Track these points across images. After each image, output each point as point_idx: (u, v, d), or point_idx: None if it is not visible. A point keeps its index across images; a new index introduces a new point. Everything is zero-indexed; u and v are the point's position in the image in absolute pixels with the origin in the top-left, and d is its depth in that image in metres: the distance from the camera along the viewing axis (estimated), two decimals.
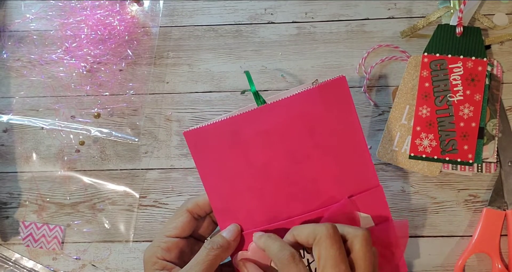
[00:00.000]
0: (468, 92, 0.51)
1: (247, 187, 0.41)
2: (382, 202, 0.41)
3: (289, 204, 0.41)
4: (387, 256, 0.40)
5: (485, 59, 0.51)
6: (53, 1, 0.58)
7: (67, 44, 0.57)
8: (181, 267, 0.38)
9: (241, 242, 0.41)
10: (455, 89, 0.51)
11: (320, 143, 0.41)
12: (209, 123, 0.41)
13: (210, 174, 0.41)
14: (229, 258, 0.41)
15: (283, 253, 0.36)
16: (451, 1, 0.53)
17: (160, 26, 0.57)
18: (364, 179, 0.41)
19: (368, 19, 0.56)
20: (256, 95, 0.42)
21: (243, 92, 0.47)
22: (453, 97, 0.51)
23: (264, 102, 0.42)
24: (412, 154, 0.51)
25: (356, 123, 0.41)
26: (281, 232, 0.40)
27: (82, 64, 0.56)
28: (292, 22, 0.57)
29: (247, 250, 0.41)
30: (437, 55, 0.52)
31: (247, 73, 0.44)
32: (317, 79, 0.43)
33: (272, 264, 0.40)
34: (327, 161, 0.41)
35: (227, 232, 0.40)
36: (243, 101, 0.55)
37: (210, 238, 0.40)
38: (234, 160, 0.41)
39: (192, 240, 0.43)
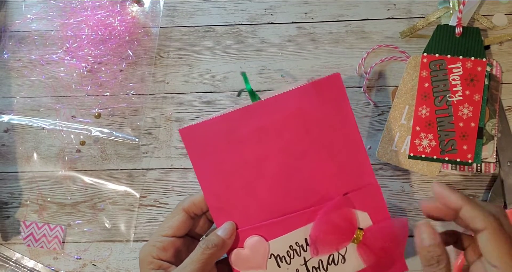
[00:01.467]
0: (467, 92, 0.51)
1: (243, 184, 0.41)
2: (379, 200, 0.41)
3: (285, 201, 0.41)
4: (387, 254, 0.40)
5: (484, 59, 0.51)
6: (54, 2, 0.58)
7: (67, 45, 0.57)
8: (178, 266, 0.38)
9: (237, 239, 0.41)
10: (454, 89, 0.51)
11: (316, 140, 0.41)
12: (204, 120, 0.41)
13: (206, 171, 0.41)
14: (225, 255, 0.41)
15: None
16: (451, 2, 0.53)
17: (160, 27, 0.57)
18: (360, 176, 0.41)
19: (368, 19, 0.56)
20: (252, 94, 0.42)
21: (239, 93, 0.47)
22: (453, 97, 0.51)
23: (260, 100, 0.42)
24: (412, 154, 0.51)
25: (352, 120, 0.41)
26: (276, 229, 0.40)
27: (83, 64, 0.56)
28: (292, 23, 0.57)
29: (243, 247, 0.41)
30: (437, 55, 0.52)
31: (243, 74, 0.44)
32: (313, 77, 0.43)
33: (268, 262, 0.40)
34: (323, 158, 0.41)
35: (222, 231, 0.40)
36: (243, 101, 0.55)
37: (206, 236, 0.39)
38: (230, 157, 0.41)
39: (189, 239, 0.43)
